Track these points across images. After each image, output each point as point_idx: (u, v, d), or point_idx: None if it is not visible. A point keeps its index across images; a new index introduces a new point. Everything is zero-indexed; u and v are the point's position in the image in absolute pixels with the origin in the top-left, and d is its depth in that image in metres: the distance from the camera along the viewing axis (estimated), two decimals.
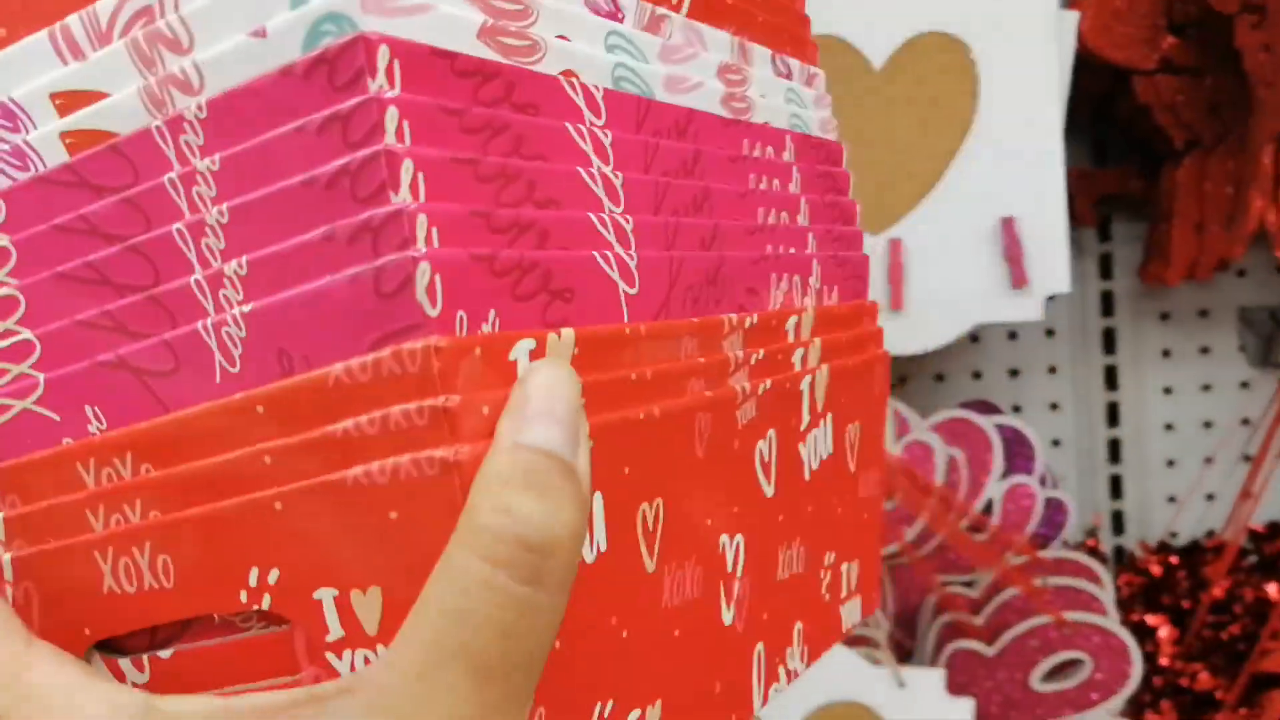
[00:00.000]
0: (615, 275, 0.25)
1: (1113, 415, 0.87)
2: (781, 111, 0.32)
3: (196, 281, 0.21)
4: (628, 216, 0.25)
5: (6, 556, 0.24)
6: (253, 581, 0.21)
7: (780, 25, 0.33)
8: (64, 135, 0.23)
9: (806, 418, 0.32)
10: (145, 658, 0.24)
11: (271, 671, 0.22)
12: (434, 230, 0.20)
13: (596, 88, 0.25)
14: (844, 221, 0.36)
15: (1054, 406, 0.87)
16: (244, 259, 0.21)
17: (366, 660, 0.21)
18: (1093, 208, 0.83)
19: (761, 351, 0.30)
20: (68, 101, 0.23)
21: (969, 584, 0.77)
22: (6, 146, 0.23)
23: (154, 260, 0.22)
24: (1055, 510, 0.79)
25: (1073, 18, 0.72)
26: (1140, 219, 0.85)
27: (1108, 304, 0.87)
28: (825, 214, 0.35)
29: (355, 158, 0.20)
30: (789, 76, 0.33)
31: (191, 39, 0.21)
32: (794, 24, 0.34)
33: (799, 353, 0.32)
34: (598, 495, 0.23)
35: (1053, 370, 0.87)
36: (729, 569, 0.28)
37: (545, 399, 0.20)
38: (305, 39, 0.20)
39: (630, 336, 0.24)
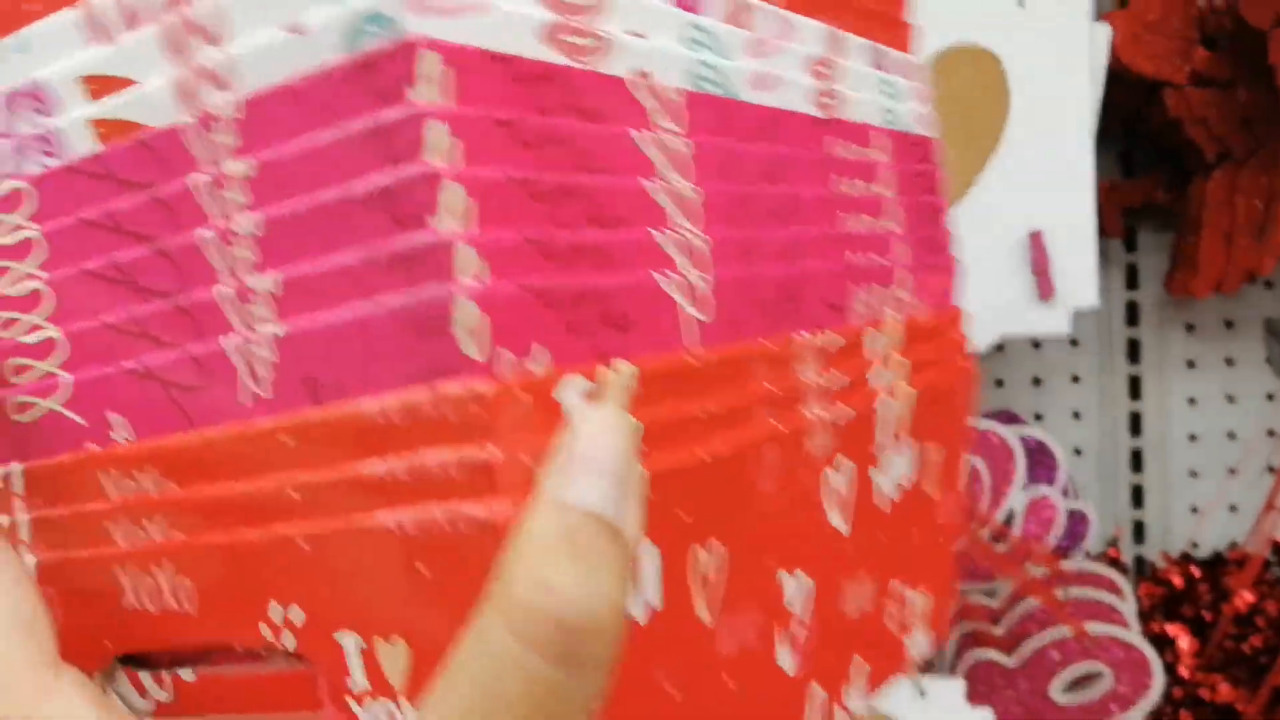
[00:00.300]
0: (680, 298, 0.22)
1: (1136, 425, 0.87)
2: (874, 107, 0.30)
3: (225, 295, 0.20)
4: (699, 231, 0.23)
5: (32, 560, 0.23)
6: (275, 617, 0.20)
7: (876, 9, 0.30)
8: (94, 123, 0.21)
9: (886, 442, 0.30)
10: (167, 676, 0.23)
11: (293, 706, 0.21)
12: (480, 261, 0.18)
13: (673, 89, 0.23)
14: (934, 223, 0.33)
15: (1076, 415, 0.86)
16: (278, 278, 0.19)
17: (391, 715, 0.19)
18: (1119, 218, 0.82)
19: (838, 373, 0.27)
20: (98, 87, 0.21)
21: (989, 594, 0.76)
22: (38, 130, 0.22)
23: (181, 267, 0.20)
24: (1077, 521, 0.77)
25: (1105, 31, 0.70)
26: (1166, 229, 0.84)
27: (1133, 314, 0.86)
28: (915, 216, 0.32)
29: (395, 177, 0.18)
30: (883, 68, 0.30)
31: (226, 29, 0.19)
32: (891, 5, 0.31)
33: (880, 372, 0.30)
34: (653, 549, 0.21)
35: (1076, 379, 0.85)
36: (790, 611, 0.26)
37: (591, 449, 0.18)
38: (346, 38, 0.18)
39: (695, 367, 0.22)
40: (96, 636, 0.23)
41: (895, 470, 0.31)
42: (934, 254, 0.33)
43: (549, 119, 0.20)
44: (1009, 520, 0.76)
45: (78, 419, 0.22)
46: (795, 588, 0.27)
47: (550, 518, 0.17)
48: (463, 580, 0.18)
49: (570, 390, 0.19)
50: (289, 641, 0.20)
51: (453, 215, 0.18)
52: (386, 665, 0.19)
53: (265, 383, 0.20)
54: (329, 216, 0.18)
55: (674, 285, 0.22)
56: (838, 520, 0.28)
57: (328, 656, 0.20)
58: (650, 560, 0.21)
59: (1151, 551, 0.87)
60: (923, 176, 0.33)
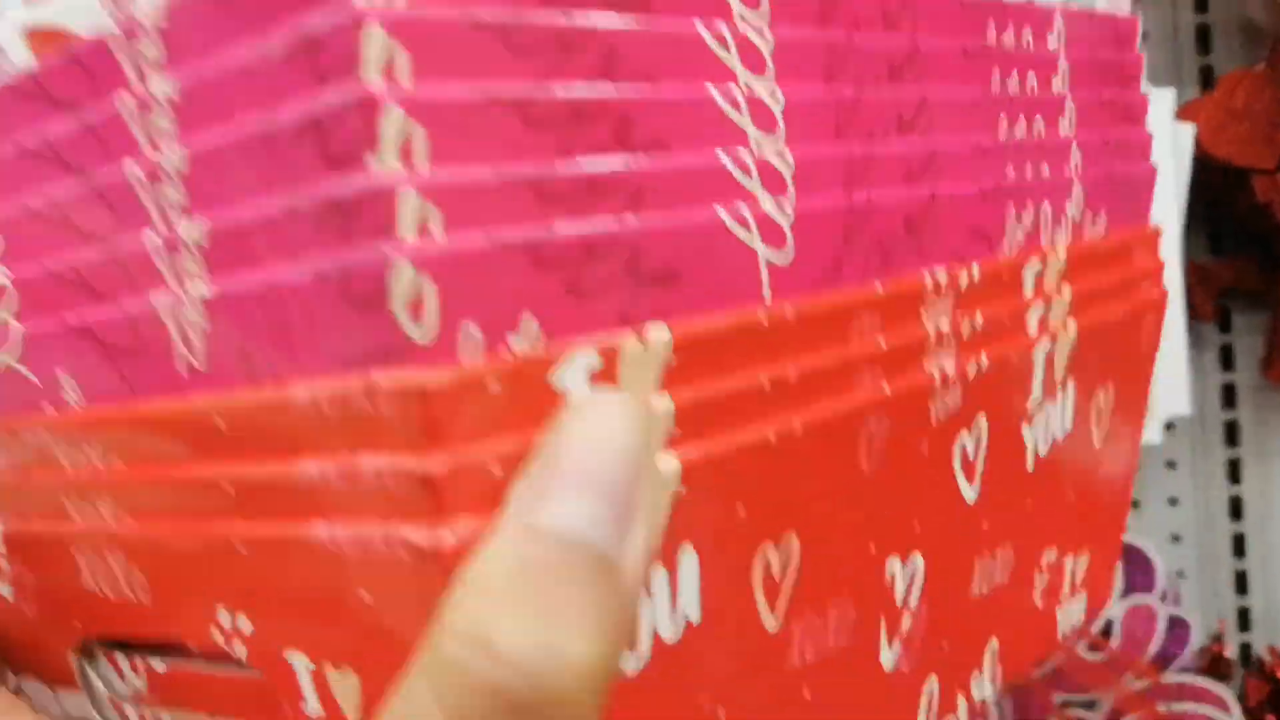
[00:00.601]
0: (754, 239, 0.18)
1: (1236, 509, 0.83)
2: None
3: (154, 244, 0.16)
4: (786, 151, 0.19)
5: (0, 529, 0.21)
6: (224, 623, 0.17)
7: None
8: (28, 33, 0.18)
9: (1038, 392, 0.25)
10: (141, 664, 0.20)
11: (257, 713, 0.18)
12: (432, 208, 0.14)
13: None
14: (1128, 121, 0.27)
15: (1173, 501, 0.83)
16: (205, 227, 0.16)
17: None
18: (1211, 301, 0.80)
19: (980, 317, 0.23)
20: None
21: (1089, 705, 0.71)
22: None
23: (114, 206, 0.17)
24: (1178, 628, 0.73)
25: (1189, 130, 0.67)
26: (1261, 310, 0.81)
27: (1229, 396, 0.83)
28: (1100, 116, 0.27)
29: (325, 103, 0.14)
30: None
31: None
32: None
33: (1036, 311, 0.25)
34: (691, 555, 0.17)
35: (1172, 465, 0.83)
36: (897, 602, 0.22)
37: (579, 453, 0.14)
38: None
39: (767, 326, 0.18)
40: (65, 615, 0.20)
41: (1053, 424, 0.26)
42: (1126, 161, 0.28)
43: (562, 10, 0.15)
44: (1107, 631, 0.73)
45: (31, 376, 0.19)
46: (907, 574, 0.22)
47: (507, 548, 0.13)
48: (407, 616, 0.14)
49: (574, 372, 0.15)
50: (240, 651, 0.17)
51: (394, 150, 0.14)
52: (339, 693, 0.16)
53: (199, 353, 0.16)
54: (257, 153, 0.15)
55: (749, 223, 0.18)
56: (969, 490, 0.24)
57: (279, 673, 0.17)
58: (689, 568, 0.17)
59: (1257, 639, 0.83)
60: (1116, 67, 0.27)
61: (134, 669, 0.20)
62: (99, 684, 0.21)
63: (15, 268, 0.19)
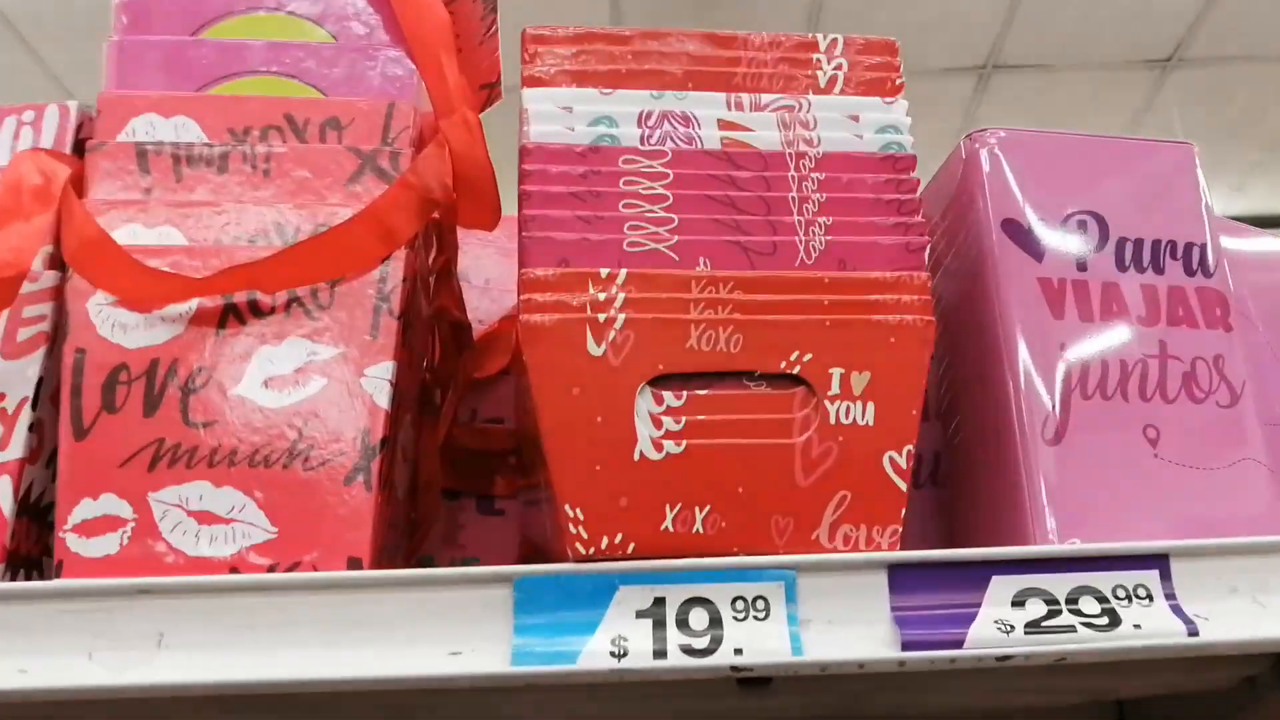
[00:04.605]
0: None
1: None
2: None
3: (797, 219, 0.45)
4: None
5: (621, 317, 0.43)
6: (793, 358, 0.43)
7: None
8: (722, 128, 0.46)
9: None
10: (685, 392, 0.43)
11: (765, 412, 0.43)
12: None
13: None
14: None
15: None
16: (826, 222, 0.45)
17: (848, 410, 0.43)
18: None
19: None
20: (728, 129, 0.46)
21: None
22: (683, 134, 0.46)
23: (768, 202, 0.45)
24: None
25: None
26: None
27: None
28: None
29: (908, 222, 0.45)
30: None
31: (816, 123, 0.47)
32: None
33: None
34: None
35: None
36: None
37: None
38: (881, 145, 0.46)
39: None
40: (653, 362, 0.42)
41: None
42: None
43: None
44: None
45: (674, 257, 0.44)
46: None
47: None
48: (914, 350, 0.43)
49: None
50: (797, 370, 0.43)
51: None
52: (855, 384, 0.43)
53: (813, 257, 0.44)
54: (862, 230, 0.45)
55: None
56: None
57: (819, 380, 0.43)
58: None
59: None
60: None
61: (676, 396, 0.42)
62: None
63: (679, 211, 0.44)
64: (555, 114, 0.46)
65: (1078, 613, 0.40)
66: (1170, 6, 2.12)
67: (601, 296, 0.43)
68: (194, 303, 0.44)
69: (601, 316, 0.42)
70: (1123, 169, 0.51)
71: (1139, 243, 0.50)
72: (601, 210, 0.44)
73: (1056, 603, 0.41)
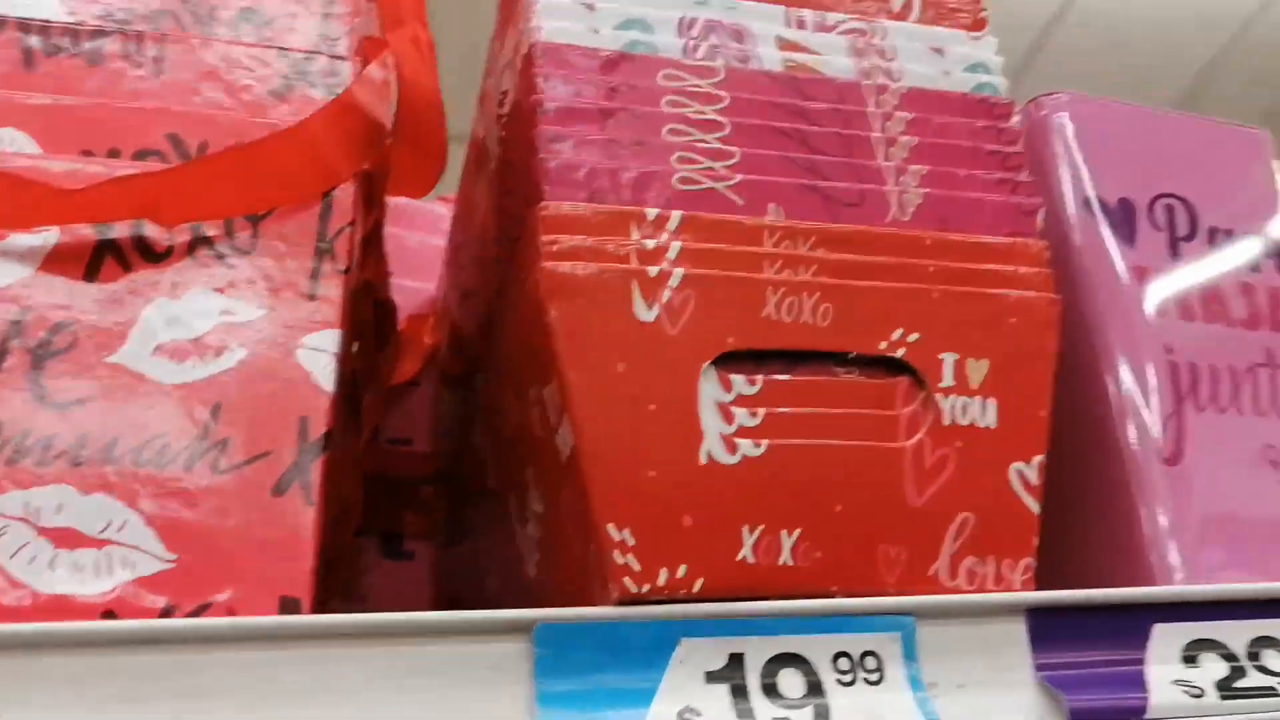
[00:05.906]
0: None
1: None
2: None
3: (883, 164, 0.35)
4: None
5: (678, 272, 0.31)
6: (895, 337, 0.33)
7: None
8: (782, 48, 0.36)
9: None
10: (760, 377, 0.32)
11: (863, 405, 0.32)
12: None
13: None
14: None
15: None
16: (920, 173, 0.35)
17: (965, 406, 0.32)
18: None
19: None
20: (789, 49, 0.36)
21: None
22: (736, 51, 0.35)
23: (847, 141, 0.35)
24: None
25: None
26: None
27: None
28: None
29: (1014, 179, 0.36)
30: None
31: (895, 53, 0.37)
32: None
33: None
34: None
35: None
36: None
37: None
38: (972, 85, 0.37)
39: None
40: (720, 332, 0.31)
41: None
42: None
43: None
44: None
45: (737, 200, 0.33)
46: None
47: None
48: (1037, 332, 0.34)
49: None
50: (900, 353, 0.32)
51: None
52: (971, 373, 0.33)
53: (908, 213, 0.34)
54: (962, 185, 0.36)
55: None
56: None
57: (930, 368, 0.33)
58: None
59: None
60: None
61: (749, 382, 0.31)
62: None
63: (741, 144, 0.34)
64: (573, 9, 0.34)
65: (1264, 670, 0.31)
66: None
67: (650, 245, 0.31)
68: (52, 233, 0.31)
69: (652, 270, 0.31)
70: (1199, 150, 0.44)
71: (1229, 234, 0.43)
72: (643, 134, 0.33)
73: (1235, 658, 0.31)
